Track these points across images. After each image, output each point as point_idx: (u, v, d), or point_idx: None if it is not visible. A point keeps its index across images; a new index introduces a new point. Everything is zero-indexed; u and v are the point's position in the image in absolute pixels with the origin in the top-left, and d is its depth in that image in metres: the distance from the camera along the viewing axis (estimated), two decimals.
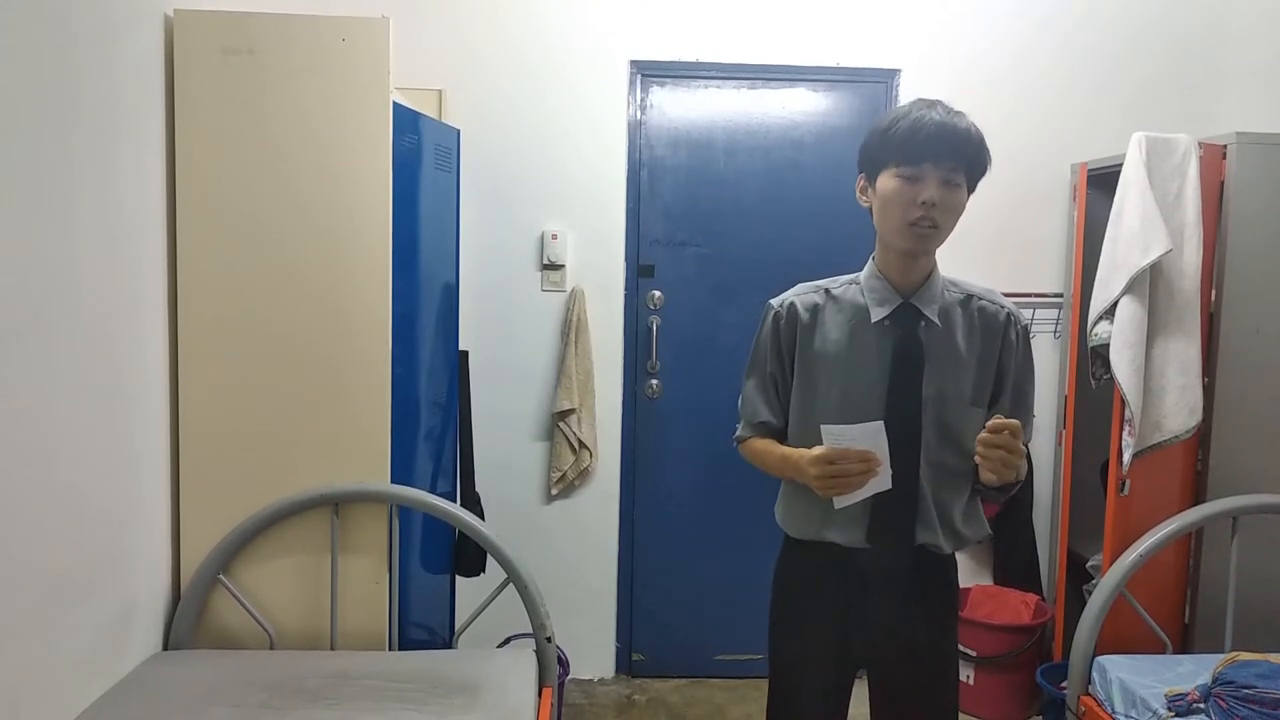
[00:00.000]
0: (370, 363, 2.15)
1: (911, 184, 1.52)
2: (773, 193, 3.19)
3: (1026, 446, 1.60)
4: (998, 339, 1.64)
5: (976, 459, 1.49)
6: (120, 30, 1.88)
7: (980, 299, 1.65)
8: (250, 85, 2.07)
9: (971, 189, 1.57)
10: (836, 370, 1.61)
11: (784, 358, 1.67)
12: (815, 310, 1.65)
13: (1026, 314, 1.69)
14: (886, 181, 1.55)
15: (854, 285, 1.66)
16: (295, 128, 2.09)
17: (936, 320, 1.60)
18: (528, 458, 3.20)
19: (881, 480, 1.50)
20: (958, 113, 1.54)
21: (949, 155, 1.50)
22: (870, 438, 1.48)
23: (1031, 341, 1.72)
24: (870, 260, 1.66)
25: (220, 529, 2.12)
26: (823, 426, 1.51)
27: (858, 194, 1.65)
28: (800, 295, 1.68)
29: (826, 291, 1.67)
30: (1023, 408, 1.69)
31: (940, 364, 1.60)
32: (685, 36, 3.13)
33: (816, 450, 1.52)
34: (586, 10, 3.09)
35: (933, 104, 1.54)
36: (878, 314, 1.60)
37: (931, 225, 1.52)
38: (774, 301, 1.69)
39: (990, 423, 1.46)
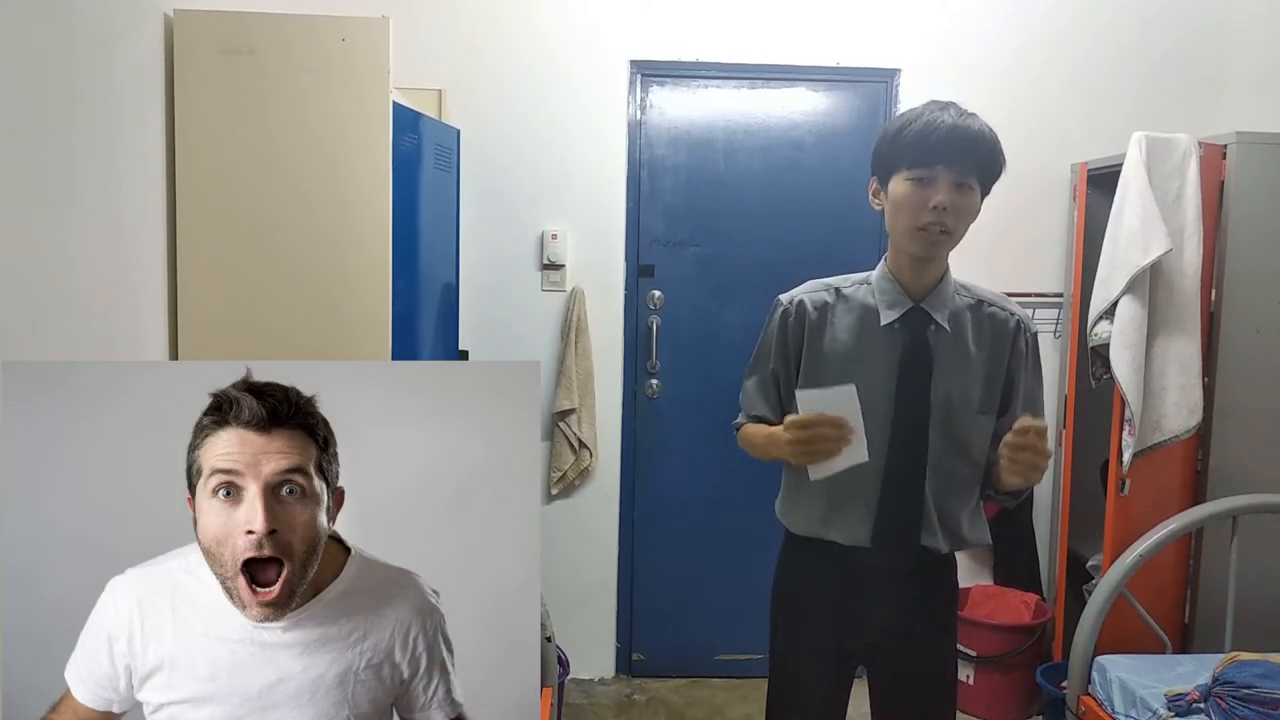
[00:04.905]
0: None
1: (923, 187, 1.50)
2: (773, 193, 3.19)
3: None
4: (1007, 346, 1.62)
5: (1003, 462, 1.46)
6: (120, 30, 1.88)
7: (991, 305, 1.63)
8: (250, 85, 2.07)
9: (985, 192, 1.55)
10: (844, 371, 1.59)
11: (789, 355, 1.65)
12: (824, 309, 1.64)
13: (1026, 314, 1.67)
14: (898, 185, 1.53)
15: (864, 285, 1.64)
16: (295, 127, 2.09)
17: (946, 326, 1.58)
18: None
19: (857, 452, 1.45)
20: (971, 115, 1.52)
21: (961, 158, 1.48)
22: (844, 402, 1.45)
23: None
24: (882, 261, 1.64)
25: None
26: (797, 391, 1.50)
27: (870, 197, 1.63)
28: (810, 293, 1.66)
29: (837, 290, 1.65)
30: (1034, 416, 1.67)
31: (949, 370, 1.58)
32: (685, 36, 3.13)
33: (791, 416, 1.48)
34: (586, 10, 3.09)
35: (945, 106, 1.52)
36: (887, 317, 1.59)
37: (943, 230, 1.50)
38: (783, 298, 1.68)
39: (1018, 424, 1.43)
